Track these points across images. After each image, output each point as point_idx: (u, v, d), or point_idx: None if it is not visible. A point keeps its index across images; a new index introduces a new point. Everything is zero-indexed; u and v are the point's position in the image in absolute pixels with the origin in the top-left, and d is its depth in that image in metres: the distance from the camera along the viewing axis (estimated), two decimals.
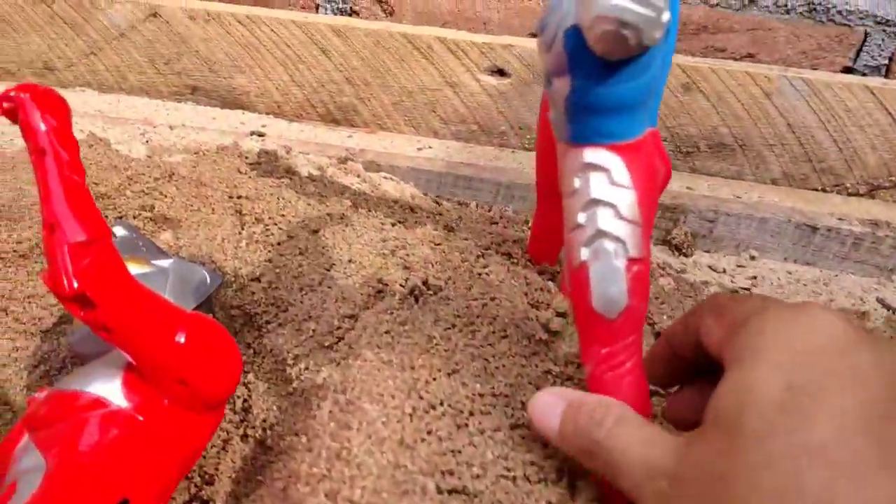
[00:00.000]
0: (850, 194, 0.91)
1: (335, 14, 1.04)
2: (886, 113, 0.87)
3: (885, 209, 0.87)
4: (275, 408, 0.49)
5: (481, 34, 0.95)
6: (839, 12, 0.91)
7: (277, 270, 0.58)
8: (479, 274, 0.52)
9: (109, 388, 0.41)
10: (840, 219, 0.84)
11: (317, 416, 0.42)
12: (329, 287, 0.55)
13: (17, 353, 0.58)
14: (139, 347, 0.39)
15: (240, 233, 0.63)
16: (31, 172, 0.63)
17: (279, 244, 0.61)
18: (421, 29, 0.95)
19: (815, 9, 0.92)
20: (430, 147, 0.96)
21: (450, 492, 0.34)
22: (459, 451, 0.36)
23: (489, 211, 0.85)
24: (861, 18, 0.91)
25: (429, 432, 0.37)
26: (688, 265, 0.83)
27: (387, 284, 0.51)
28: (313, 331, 0.51)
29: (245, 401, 0.52)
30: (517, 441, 0.38)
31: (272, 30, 0.98)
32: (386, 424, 0.38)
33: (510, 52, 0.92)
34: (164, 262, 0.53)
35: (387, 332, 0.46)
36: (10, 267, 0.60)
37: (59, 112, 0.39)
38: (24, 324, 0.59)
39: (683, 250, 0.85)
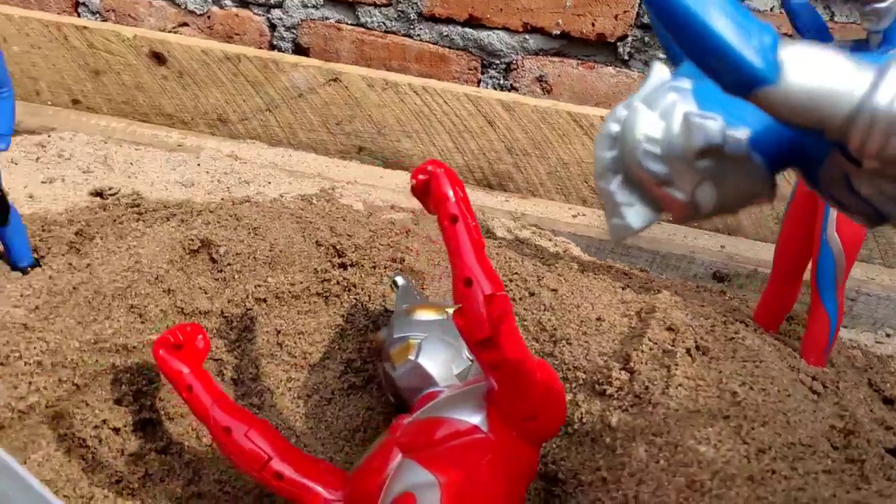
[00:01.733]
0: None
1: (496, 89, 1.13)
2: None
3: None
4: (558, 444, 0.56)
5: None
6: None
7: (527, 324, 0.66)
8: (733, 338, 0.60)
9: (477, 419, 0.48)
10: None
11: (632, 454, 0.49)
12: (586, 342, 0.62)
13: (290, 384, 0.65)
14: (514, 386, 0.46)
15: None
16: (296, 222, 0.71)
17: (521, 299, 0.68)
18: (585, 108, 1.04)
19: None
20: (583, 214, 1.04)
21: None
22: (802, 489, 0.43)
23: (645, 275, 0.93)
24: None
25: (771, 472, 0.44)
26: None
27: (659, 343, 0.58)
28: (584, 379, 0.58)
29: None
30: (827, 482, 0.45)
31: (444, 101, 1.06)
32: (728, 464, 0.45)
33: None
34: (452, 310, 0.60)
35: (679, 386, 0.53)
36: (283, 306, 0.68)
37: (461, 185, 0.47)
38: (295, 357, 0.66)
39: None
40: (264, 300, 0.67)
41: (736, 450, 0.46)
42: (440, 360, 0.55)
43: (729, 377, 0.53)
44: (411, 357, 0.55)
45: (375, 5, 1.13)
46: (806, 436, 0.48)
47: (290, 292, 0.68)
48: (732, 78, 0.28)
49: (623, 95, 1.09)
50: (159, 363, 0.53)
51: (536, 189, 1.08)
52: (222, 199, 0.82)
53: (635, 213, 0.34)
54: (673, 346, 0.57)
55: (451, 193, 0.46)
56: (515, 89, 1.13)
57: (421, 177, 0.46)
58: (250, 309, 0.66)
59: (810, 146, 0.32)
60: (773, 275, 0.66)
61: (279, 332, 0.67)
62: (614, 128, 0.34)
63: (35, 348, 0.55)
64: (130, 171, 0.93)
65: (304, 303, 0.68)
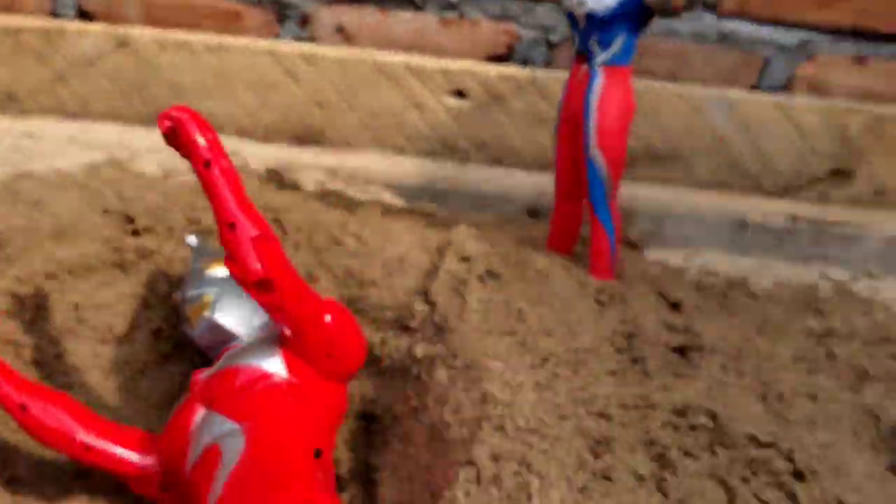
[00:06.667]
0: (768, 194, 1.06)
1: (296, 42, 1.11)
2: (792, 124, 1.03)
3: (798, 205, 1.03)
4: (370, 384, 0.57)
5: (444, 59, 1.05)
6: (745, 39, 1.07)
7: (334, 271, 0.66)
8: (524, 262, 0.62)
9: (273, 363, 0.47)
10: (766, 214, 0.99)
11: (433, 377, 0.51)
12: (391, 282, 0.62)
13: (97, 359, 0.63)
14: (303, 325, 0.46)
15: (283, 240, 0.70)
16: (81, 191, 0.68)
17: (326, 249, 0.68)
18: (386, 56, 1.04)
19: (724, 37, 1.07)
20: (400, 164, 1.04)
21: (597, 415, 0.43)
22: (584, 388, 0.45)
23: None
24: (763, 45, 1.07)
25: (555, 375, 0.46)
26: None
27: (453, 274, 0.60)
28: (391, 318, 0.59)
29: None
30: (613, 382, 0.48)
31: (242, 58, 1.04)
32: (515, 374, 0.46)
33: (470, 75, 1.02)
34: None
35: (474, 310, 0.54)
36: (78, 279, 0.64)
37: (210, 128, 0.46)
38: (99, 331, 0.63)
39: (637, 246, 0.97)
40: (55, 276, 0.63)
41: (522, 360, 0.48)
42: (238, 314, 0.55)
43: (517, 297, 0.55)
44: (207, 314, 0.54)
45: None
46: (589, 342, 0.51)
47: (82, 265, 0.65)
48: None
49: (424, 41, 1.10)
50: None
51: (350, 141, 1.08)
52: None
53: None
54: (467, 274, 0.59)
55: (200, 138, 0.44)
56: (316, 41, 1.11)
57: (167, 123, 0.45)
58: (41, 286, 0.63)
59: None
60: (556, 199, 0.69)
61: (78, 306, 0.64)
62: None
63: None
64: None
65: (100, 274, 0.65)
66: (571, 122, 0.64)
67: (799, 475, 0.44)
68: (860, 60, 1.08)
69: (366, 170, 1.00)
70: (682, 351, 0.56)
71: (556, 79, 1.04)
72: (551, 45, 1.10)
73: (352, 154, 1.06)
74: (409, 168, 1.03)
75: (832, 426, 0.50)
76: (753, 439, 0.46)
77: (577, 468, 0.40)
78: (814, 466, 0.44)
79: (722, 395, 0.50)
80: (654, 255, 0.97)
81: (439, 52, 1.10)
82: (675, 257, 0.96)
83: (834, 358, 0.61)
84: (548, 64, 1.11)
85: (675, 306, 0.63)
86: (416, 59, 1.04)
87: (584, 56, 0.63)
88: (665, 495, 0.41)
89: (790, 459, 0.44)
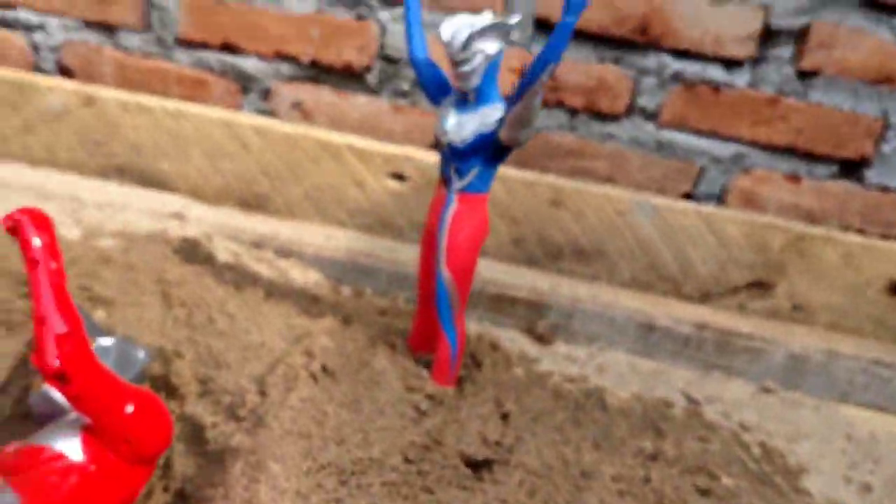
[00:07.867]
0: (686, 299, 1.09)
1: (257, 114, 1.18)
2: (714, 234, 1.06)
3: (711, 313, 1.05)
4: (192, 464, 0.61)
5: (384, 143, 1.10)
6: (681, 148, 1.10)
7: (199, 349, 0.70)
8: (368, 362, 0.66)
9: (70, 445, 0.52)
10: (675, 320, 1.01)
11: (231, 472, 0.55)
12: (244, 367, 0.67)
13: None
14: (99, 414, 0.51)
15: (166, 314, 0.75)
16: None
17: (201, 326, 0.73)
18: (332, 135, 1.09)
19: (662, 145, 1.10)
20: (335, 237, 1.09)
21: None
22: (341, 500, 0.49)
23: (383, 296, 0.98)
24: (699, 155, 1.11)
25: (318, 485, 0.50)
26: (547, 354, 0.98)
27: (292, 367, 0.64)
28: (229, 403, 0.63)
29: (167, 458, 0.63)
30: (385, 493, 0.51)
31: (198, 124, 1.10)
32: (287, 480, 0.50)
33: (408, 161, 1.07)
34: (108, 342, 0.64)
35: (290, 407, 0.58)
36: None
37: (48, 229, 0.51)
38: None
39: (545, 340, 1.00)
40: None
41: (300, 466, 0.52)
42: None
43: (333, 399, 0.59)
44: (44, 386, 0.59)
45: (133, 30, 1.16)
46: (379, 452, 0.55)
47: None
48: None
49: (374, 122, 1.16)
50: None
51: (294, 211, 1.13)
52: None
53: None
54: (304, 369, 0.63)
55: (35, 239, 0.50)
56: (275, 114, 1.18)
57: (9, 224, 0.50)
58: None
59: None
60: (418, 300, 0.73)
61: None
62: None
63: None
64: None
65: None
66: (430, 237, 0.69)
67: None
68: (793, 178, 1.11)
69: (299, 241, 1.05)
70: (487, 464, 0.60)
71: None
72: None
73: (292, 223, 1.11)
74: (341, 242, 1.08)
75: None
76: None
77: None
78: None
79: None
80: (560, 349, 1.00)
81: (390, 135, 1.16)
82: (579, 353, 0.99)
83: (648, 482, 0.63)
84: None
85: (505, 417, 0.67)
86: (359, 141, 1.09)
87: (446, 180, 0.67)
88: None
89: None
